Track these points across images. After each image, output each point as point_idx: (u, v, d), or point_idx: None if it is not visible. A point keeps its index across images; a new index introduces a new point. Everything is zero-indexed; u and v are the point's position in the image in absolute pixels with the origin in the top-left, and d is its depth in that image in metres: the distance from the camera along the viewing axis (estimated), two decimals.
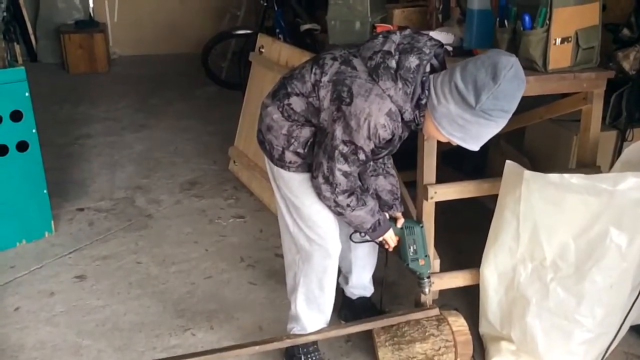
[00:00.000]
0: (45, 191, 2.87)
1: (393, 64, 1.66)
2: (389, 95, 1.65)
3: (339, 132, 1.69)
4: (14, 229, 2.82)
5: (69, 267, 2.71)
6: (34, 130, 2.76)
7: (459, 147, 1.71)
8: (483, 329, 2.21)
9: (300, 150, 1.84)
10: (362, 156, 1.72)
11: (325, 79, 1.73)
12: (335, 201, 1.80)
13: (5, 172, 2.71)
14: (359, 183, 1.88)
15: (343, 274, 2.29)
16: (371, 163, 2.01)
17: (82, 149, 4.03)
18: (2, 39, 2.76)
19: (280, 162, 1.87)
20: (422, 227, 2.07)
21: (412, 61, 1.65)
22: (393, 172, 2.09)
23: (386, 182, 2.05)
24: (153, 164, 3.82)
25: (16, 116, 2.70)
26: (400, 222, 2.06)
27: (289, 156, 1.85)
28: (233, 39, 5.41)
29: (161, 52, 6.42)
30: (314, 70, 1.77)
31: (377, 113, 1.64)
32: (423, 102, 1.68)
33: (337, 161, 1.72)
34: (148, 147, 4.09)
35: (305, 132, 1.81)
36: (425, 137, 1.92)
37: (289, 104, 1.81)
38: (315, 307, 2.05)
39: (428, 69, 1.69)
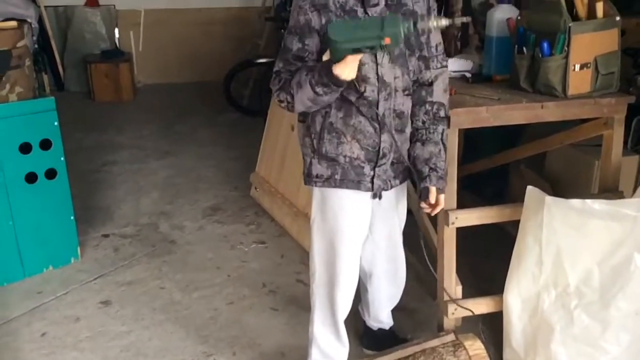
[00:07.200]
0: (72, 218, 2.93)
1: None
2: None
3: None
4: (41, 255, 2.87)
5: (94, 293, 2.75)
6: (62, 158, 2.83)
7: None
8: (507, 356, 2.19)
9: (322, 136, 1.83)
10: (287, 42, 1.76)
11: None
12: (279, 101, 1.79)
13: (34, 200, 2.78)
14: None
15: (362, 306, 2.31)
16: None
17: (107, 175, 4.11)
18: (33, 70, 2.85)
19: (309, 177, 1.91)
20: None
21: None
22: (437, 139, 1.87)
23: (424, 150, 1.86)
24: (176, 190, 3.88)
25: (45, 144, 2.77)
26: (433, 196, 1.84)
27: (316, 168, 1.87)
28: (254, 67, 5.50)
29: (185, 80, 6.55)
30: None
31: None
32: None
33: (277, 65, 1.79)
34: (172, 173, 4.16)
35: (318, 119, 1.84)
36: None
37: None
38: (330, 329, 2.06)
39: None
